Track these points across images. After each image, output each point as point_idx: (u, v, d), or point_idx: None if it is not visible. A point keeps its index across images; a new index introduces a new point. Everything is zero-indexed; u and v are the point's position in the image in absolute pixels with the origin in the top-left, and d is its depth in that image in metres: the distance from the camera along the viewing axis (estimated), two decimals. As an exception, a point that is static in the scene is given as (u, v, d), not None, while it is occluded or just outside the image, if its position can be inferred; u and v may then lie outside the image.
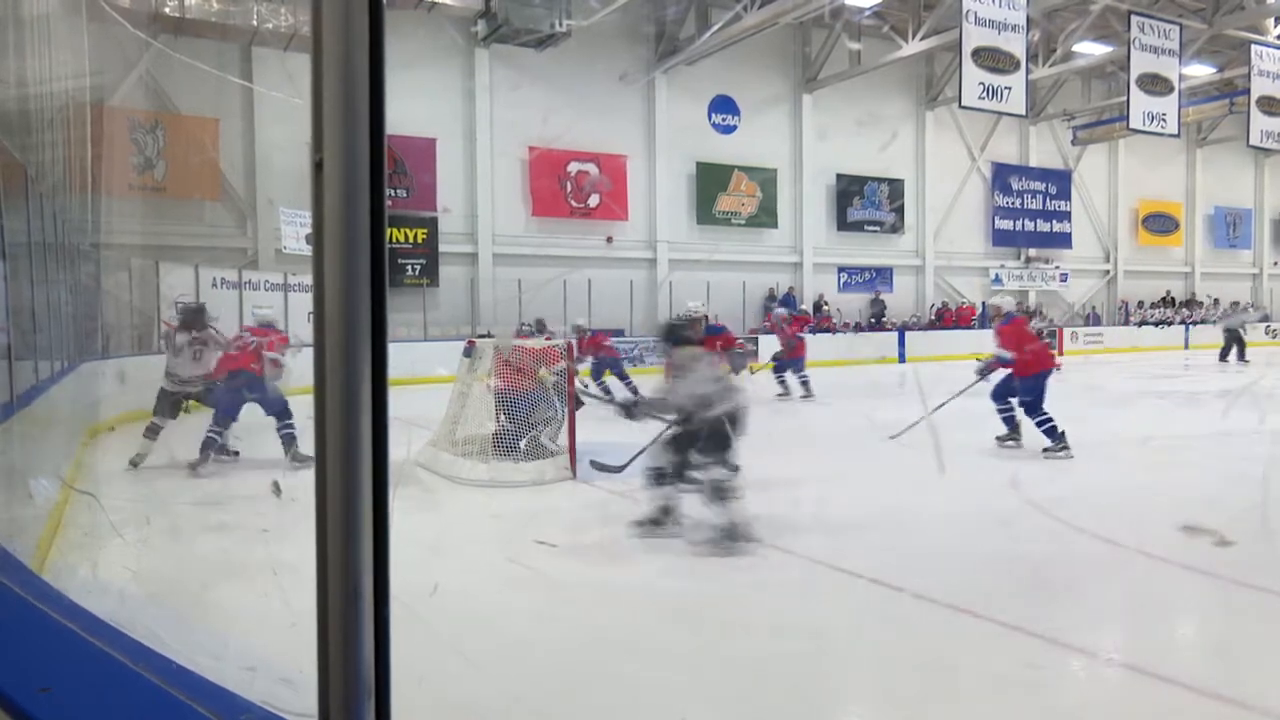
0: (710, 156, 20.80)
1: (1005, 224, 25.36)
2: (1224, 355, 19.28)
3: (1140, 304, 27.44)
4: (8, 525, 3.46)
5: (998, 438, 8.27)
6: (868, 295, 23.08)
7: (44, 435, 5.28)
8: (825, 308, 21.87)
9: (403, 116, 16.74)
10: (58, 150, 7.36)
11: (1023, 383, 7.90)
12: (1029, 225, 25.75)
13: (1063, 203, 26.35)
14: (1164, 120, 19.69)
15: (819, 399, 12.33)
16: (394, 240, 17.32)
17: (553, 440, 7.24)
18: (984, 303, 23.00)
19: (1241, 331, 19.58)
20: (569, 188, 19.28)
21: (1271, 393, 14.13)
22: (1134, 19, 18.78)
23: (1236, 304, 26.61)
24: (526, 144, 18.75)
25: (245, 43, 15.74)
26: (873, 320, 22.31)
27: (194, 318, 7.95)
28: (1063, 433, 7.66)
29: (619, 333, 18.03)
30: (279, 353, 7.64)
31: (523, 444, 7.13)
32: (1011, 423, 8.19)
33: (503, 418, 7.24)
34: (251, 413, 7.44)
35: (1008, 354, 7.94)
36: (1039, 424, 7.74)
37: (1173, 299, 28.14)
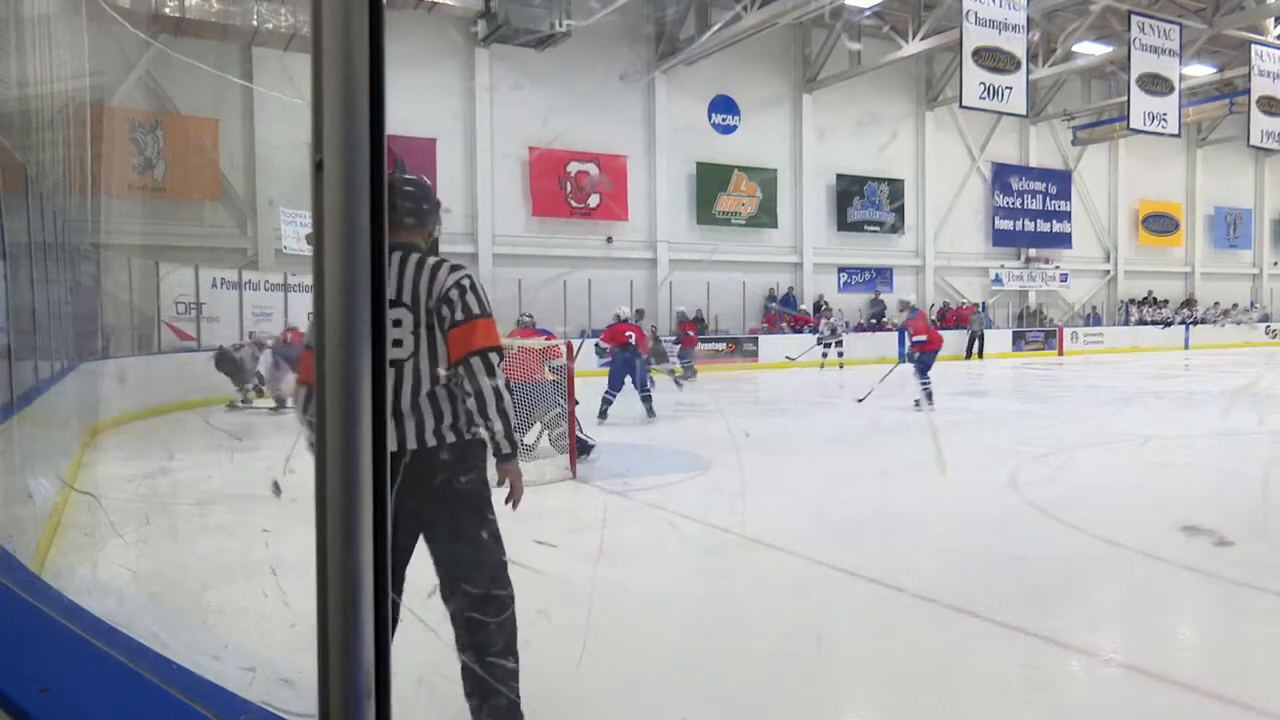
0: (710, 156, 20.80)
1: (1005, 224, 25.37)
2: None
3: (1132, 302, 27.42)
4: (8, 525, 3.46)
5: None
6: (868, 295, 23.08)
7: (44, 435, 5.28)
8: (825, 308, 21.88)
9: (403, 116, 16.74)
10: (58, 150, 7.35)
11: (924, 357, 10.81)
12: (1029, 225, 25.76)
13: (1063, 203, 26.36)
14: (1164, 120, 19.69)
15: (818, 400, 12.33)
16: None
17: (555, 436, 7.25)
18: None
19: None
20: (569, 188, 19.29)
21: (1271, 393, 14.14)
22: (1134, 19, 18.79)
23: None
24: (526, 144, 18.76)
25: (245, 43, 15.75)
26: (873, 320, 22.32)
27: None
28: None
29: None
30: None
31: (528, 438, 7.14)
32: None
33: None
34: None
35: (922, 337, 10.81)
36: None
37: (1154, 297, 28.06)
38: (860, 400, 11.39)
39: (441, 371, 2.34)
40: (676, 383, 14.63)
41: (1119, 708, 3.02)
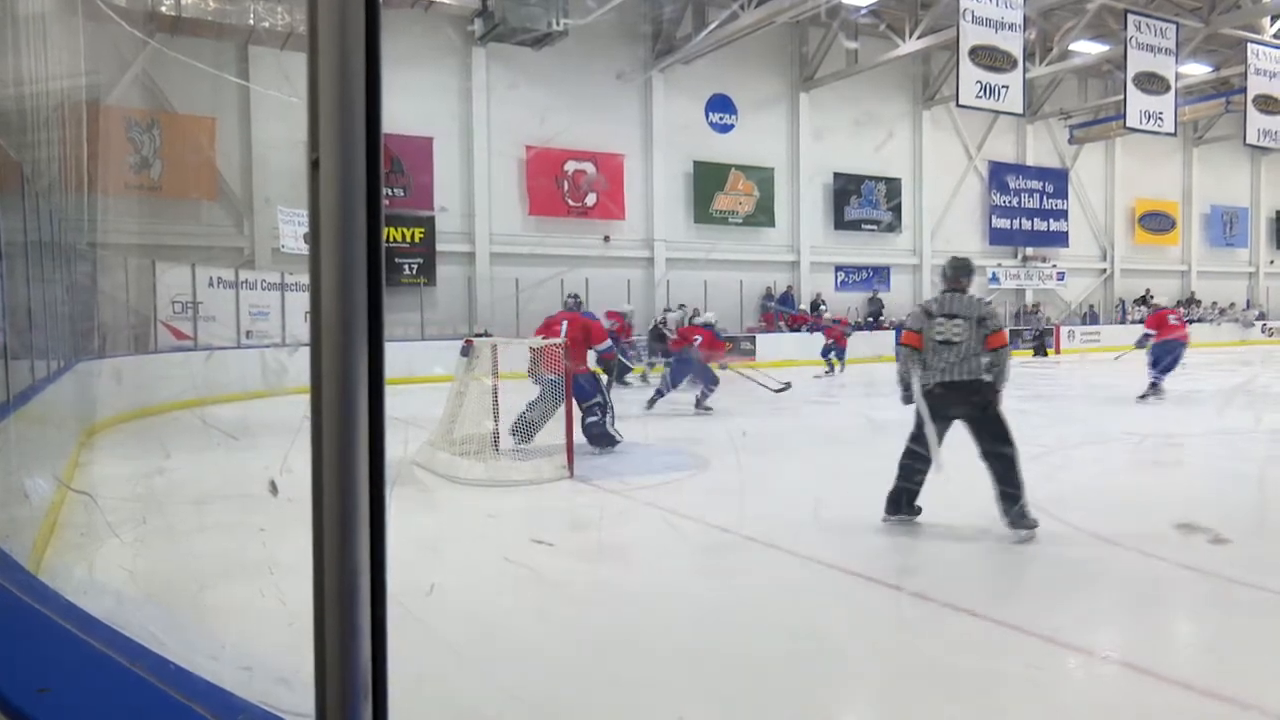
0: (707, 155, 20.80)
1: (1002, 223, 25.39)
2: None
3: (1122, 304, 27.42)
4: (4, 525, 3.45)
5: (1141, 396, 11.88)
6: (865, 294, 23.09)
7: (40, 435, 5.27)
8: (822, 307, 21.90)
9: (400, 115, 16.72)
10: (54, 149, 7.33)
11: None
12: (1026, 224, 25.78)
13: (1059, 201, 26.38)
14: (1161, 119, 19.71)
15: (818, 398, 12.34)
16: (391, 239, 17.31)
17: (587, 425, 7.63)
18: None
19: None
20: (566, 187, 19.28)
21: (1268, 391, 14.16)
22: (1130, 18, 18.81)
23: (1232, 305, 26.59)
24: (523, 143, 18.74)
25: (242, 41, 15.71)
26: (870, 319, 22.33)
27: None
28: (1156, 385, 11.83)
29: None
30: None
31: (540, 425, 7.31)
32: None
33: (528, 405, 7.41)
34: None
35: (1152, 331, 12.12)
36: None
37: (1151, 296, 28.01)
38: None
39: (983, 350, 4.96)
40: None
41: (1118, 707, 3.02)
